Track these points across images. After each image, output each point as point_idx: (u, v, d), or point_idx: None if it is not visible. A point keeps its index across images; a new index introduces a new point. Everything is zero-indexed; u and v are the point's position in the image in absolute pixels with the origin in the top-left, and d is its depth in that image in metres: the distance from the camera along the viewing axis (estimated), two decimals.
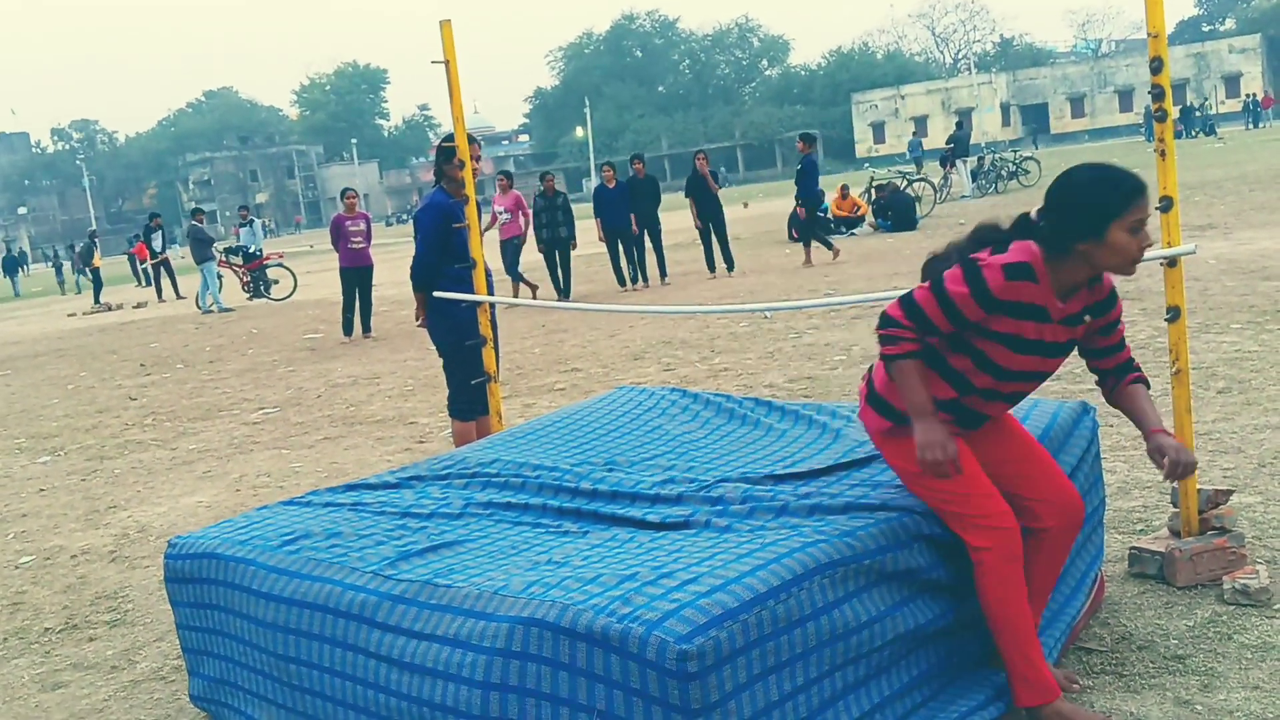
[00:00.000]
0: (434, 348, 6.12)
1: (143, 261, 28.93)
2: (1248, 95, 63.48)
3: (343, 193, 14.67)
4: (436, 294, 5.66)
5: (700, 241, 16.72)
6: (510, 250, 15.89)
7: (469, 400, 5.77)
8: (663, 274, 16.31)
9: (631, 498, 3.36)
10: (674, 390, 4.50)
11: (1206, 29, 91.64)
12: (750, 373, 8.46)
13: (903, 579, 2.83)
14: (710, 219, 16.32)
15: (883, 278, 13.47)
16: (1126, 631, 3.44)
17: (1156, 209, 3.73)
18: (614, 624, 2.38)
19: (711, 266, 16.49)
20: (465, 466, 3.88)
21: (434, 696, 2.63)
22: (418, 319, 6.05)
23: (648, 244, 16.24)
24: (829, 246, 16.43)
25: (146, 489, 7.21)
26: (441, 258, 5.73)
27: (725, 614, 2.37)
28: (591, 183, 31.09)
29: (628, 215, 15.91)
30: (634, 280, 16.12)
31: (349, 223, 14.12)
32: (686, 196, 16.61)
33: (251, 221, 23.86)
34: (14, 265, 44.51)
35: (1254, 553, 3.87)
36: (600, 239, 16.29)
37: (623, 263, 16.07)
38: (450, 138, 5.67)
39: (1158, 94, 3.69)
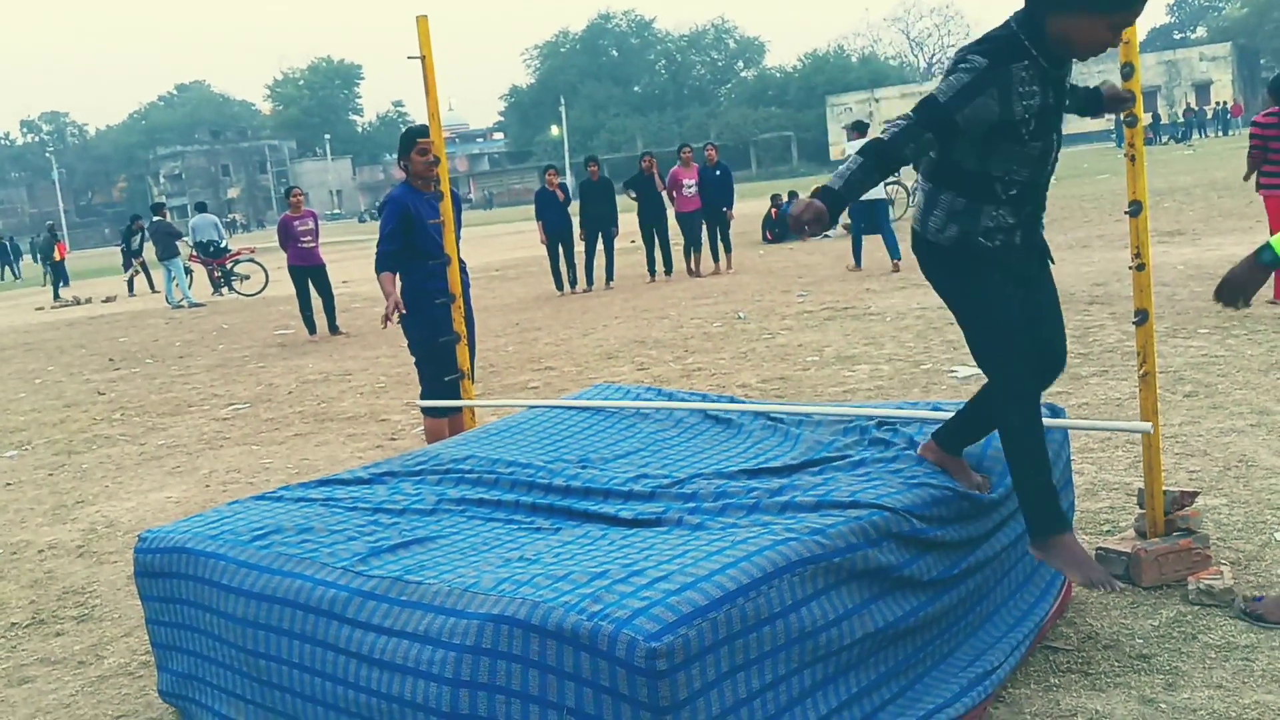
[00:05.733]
0: (406, 344, 6.10)
1: (60, 259, 28.46)
2: (1217, 103, 64.19)
3: (288, 191, 14.51)
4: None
5: (643, 244, 16.70)
6: (689, 222, 16.32)
7: (441, 398, 5.76)
8: (609, 277, 16.26)
9: (604, 494, 3.36)
10: (648, 389, 4.51)
11: (1178, 36, 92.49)
12: (724, 373, 8.48)
13: (873, 576, 2.85)
14: (654, 223, 16.31)
15: (855, 280, 13.54)
16: (1093, 631, 3.47)
17: (1125, 213, 3.78)
18: (584, 621, 2.38)
19: (652, 271, 16.48)
20: (438, 463, 3.87)
21: (403, 693, 2.63)
22: (385, 319, 5.78)
23: (599, 246, 16.17)
24: (715, 260, 16.61)
25: (115, 484, 7.15)
26: (404, 248, 5.72)
27: (694, 611, 2.38)
28: (569, 181, 31.11)
29: (569, 219, 15.87)
30: (573, 284, 16.05)
31: (297, 222, 13.98)
32: (626, 188, 16.40)
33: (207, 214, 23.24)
34: (18, 253, 45.64)
35: (1218, 554, 3.92)
36: (541, 242, 16.20)
37: (562, 267, 15.98)
38: (411, 129, 5.68)
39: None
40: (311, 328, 13.87)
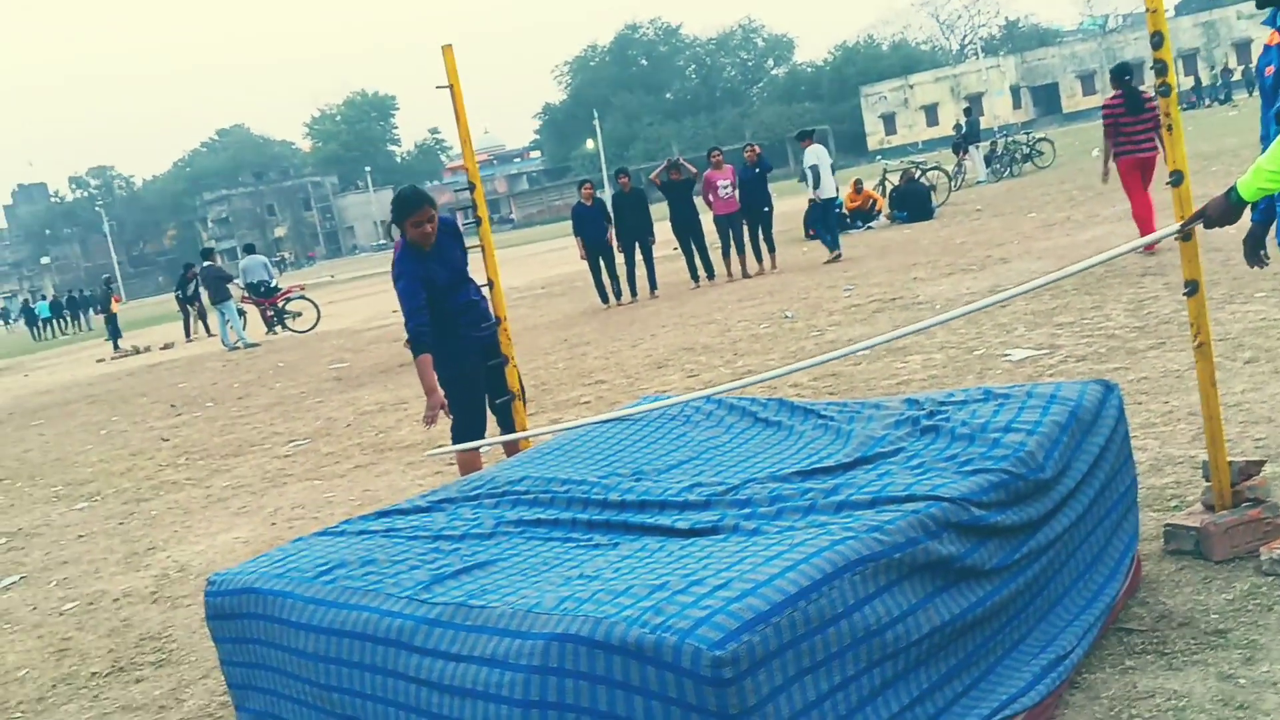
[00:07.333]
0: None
1: (113, 312, 28.67)
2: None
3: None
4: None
5: (680, 252, 16.69)
6: (726, 225, 16.41)
7: (464, 430, 5.63)
8: (652, 287, 16.27)
9: (660, 505, 3.37)
10: (698, 396, 4.51)
11: None
12: None
13: (935, 570, 2.82)
14: (687, 228, 16.29)
15: (900, 269, 13.44)
16: (1166, 609, 3.42)
17: (1167, 184, 3.73)
18: (647, 634, 2.39)
19: (695, 276, 16.46)
20: (494, 486, 3.90)
21: (474, 717, 2.65)
22: (430, 420, 5.42)
23: (638, 257, 16.20)
24: (759, 259, 16.63)
25: (184, 528, 7.28)
26: (432, 314, 5.41)
27: (756, 618, 2.38)
28: (606, 193, 31.16)
29: (606, 232, 15.91)
30: (618, 296, 16.08)
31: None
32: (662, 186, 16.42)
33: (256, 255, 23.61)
34: (86, 305, 47.57)
35: None
36: (582, 257, 16.24)
37: (604, 279, 16.04)
38: (402, 194, 5.47)
39: (1160, 69, 3.68)
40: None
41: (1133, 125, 10.90)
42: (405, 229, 5.40)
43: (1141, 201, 10.88)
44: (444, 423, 5.53)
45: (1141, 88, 11.17)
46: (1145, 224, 10.78)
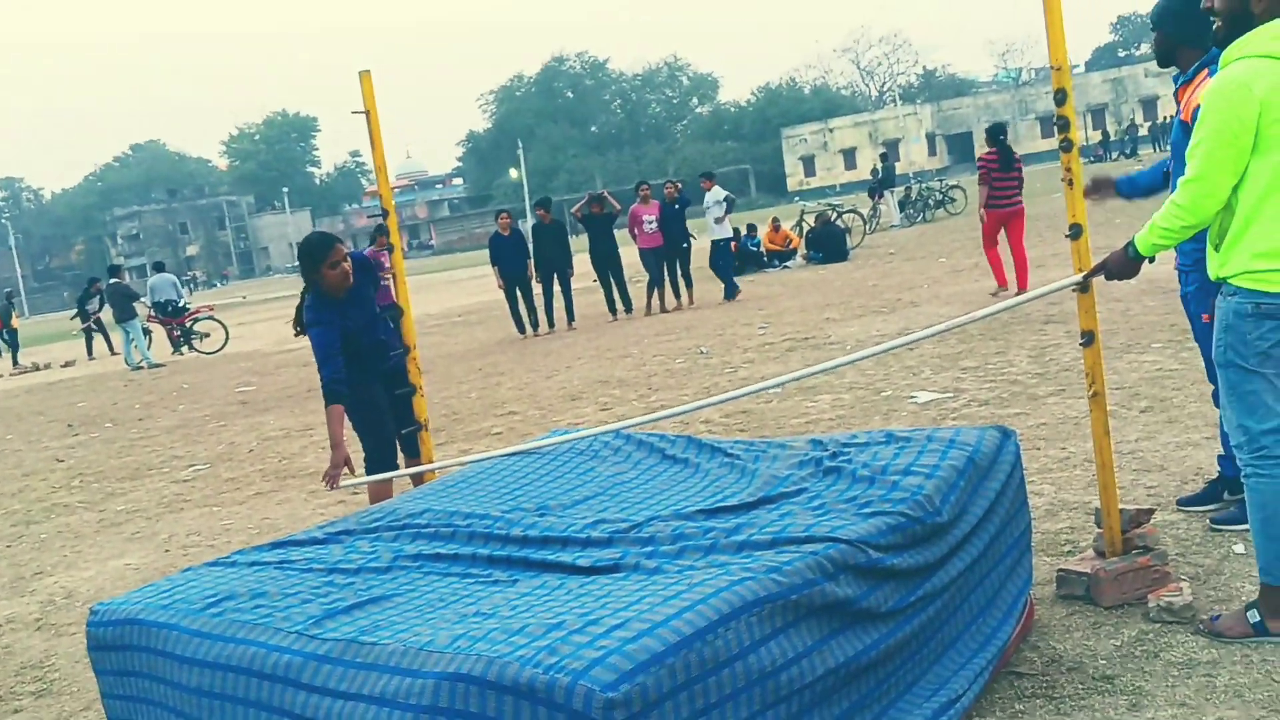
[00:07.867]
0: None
1: (13, 328, 27.71)
2: (1165, 118, 65.29)
3: (379, 229, 14.77)
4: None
5: (599, 285, 16.76)
6: (651, 259, 16.48)
7: (376, 459, 5.53)
8: (570, 318, 16.29)
9: (562, 542, 3.34)
10: (606, 431, 4.49)
11: (1123, 54, 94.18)
12: None
13: (832, 611, 2.83)
14: (606, 262, 16.37)
15: (814, 309, 13.61)
16: (1056, 654, 3.48)
17: (1066, 236, 3.82)
18: (540, 675, 2.36)
19: (613, 309, 16.52)
20: (395, 518, 3.83)
21: None
22: (332, 481, 5.21)
23: (556, 288, 16.24)
24: (677, 295, 16.79)
25: (73, 553, 7.04)
26: (348, 359, 5.23)
27: (651, 659, 2.36)
28: (528, 223, 31.12)
29: (524, 262, 15.91)
30: (535, 327, 16.06)
31: (384, 256, 14.15)
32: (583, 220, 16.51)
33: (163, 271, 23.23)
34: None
35: (1178, 570, 3.94)
36: (499, 286, 16.22)
37: (521, 310, 16.01)
38: (310, 241, 5.29)
39: (1063, 125, 3.78)
40: None
41: (1003, 179, 11.99)
42: (321, 275, 5.16)
43: (993, 255, 12.26)
44: (352, 449, 5.40)
45: (1017, 150, 12.29)
46: (996, 268, 12.30)
